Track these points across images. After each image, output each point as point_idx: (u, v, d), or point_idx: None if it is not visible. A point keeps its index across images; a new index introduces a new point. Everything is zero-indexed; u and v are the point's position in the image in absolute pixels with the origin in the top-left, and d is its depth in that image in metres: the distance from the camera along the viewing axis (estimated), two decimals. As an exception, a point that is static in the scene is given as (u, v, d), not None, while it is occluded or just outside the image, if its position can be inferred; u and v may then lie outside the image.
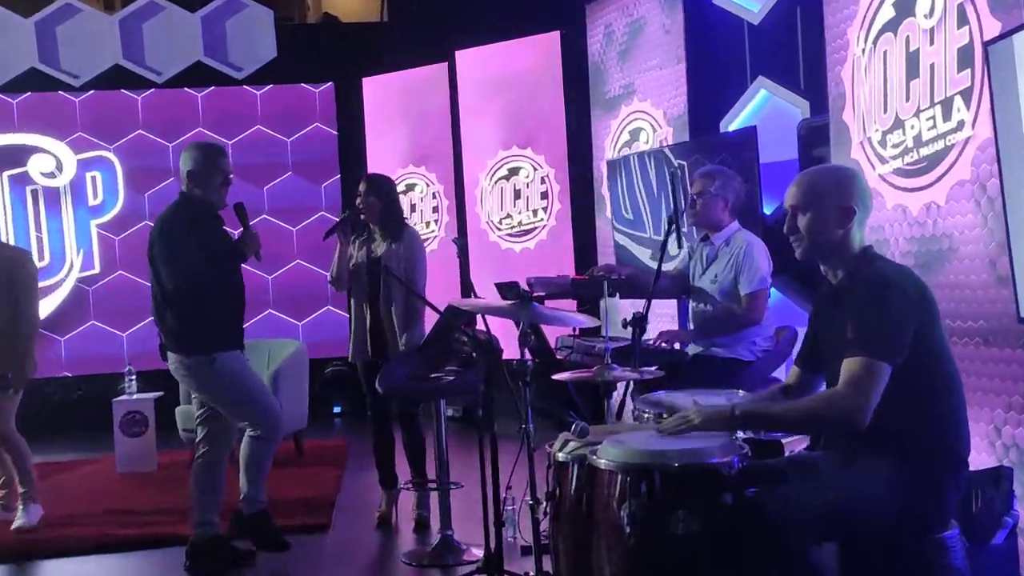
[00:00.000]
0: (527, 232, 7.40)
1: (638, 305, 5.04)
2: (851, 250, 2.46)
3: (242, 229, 4.01)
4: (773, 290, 4.35)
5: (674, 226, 3.53)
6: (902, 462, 2.29)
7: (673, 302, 5.71)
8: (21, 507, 4.73)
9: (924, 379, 2.31)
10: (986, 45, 2.99)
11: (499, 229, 7.54)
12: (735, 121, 5.38)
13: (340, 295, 8.21)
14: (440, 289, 5.28)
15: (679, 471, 2.25)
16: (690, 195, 3.86)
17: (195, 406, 4.16)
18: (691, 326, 4.37)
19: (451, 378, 4.03)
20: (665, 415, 2.88)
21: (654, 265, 5.57)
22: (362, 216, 4.56)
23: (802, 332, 4.52)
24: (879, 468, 2.30)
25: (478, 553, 3.97)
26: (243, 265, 4.09)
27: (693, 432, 2.39)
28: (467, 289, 3.70)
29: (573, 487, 2.50)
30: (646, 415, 2.98)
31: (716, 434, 2.40)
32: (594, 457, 2.37)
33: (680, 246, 3.89)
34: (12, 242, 7.92)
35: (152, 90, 8.20)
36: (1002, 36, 2.91)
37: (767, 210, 5.04)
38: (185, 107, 8.25)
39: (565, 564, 2.56)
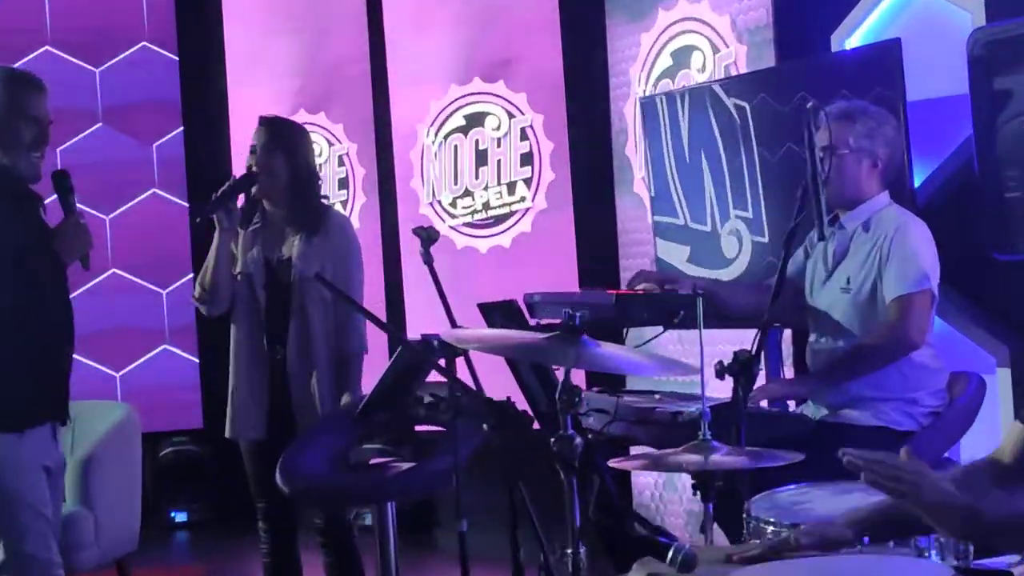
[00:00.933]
0: (499, 220, 7.26)
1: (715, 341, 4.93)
2: None
3: (64, 213, 3.94)
4: (937, 319, 4.28)
5: (816, 204, 3.37)
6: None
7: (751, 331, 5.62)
8: None
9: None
10: None
11: (452, 215, 7.40)
12: (855, 34, 5.25)
13: (186, 327, 8.13)
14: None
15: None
16: (816, 152, 3.73)
17: None
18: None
19: (406, 465, 3.86)
20: (802, 525, 2.77)
21: (703, 274, 5.55)
22: (255, 188, 4.48)
23: (996, 382, 4.51)
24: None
25: None
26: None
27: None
28: (448, 311, 3.54)
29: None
30: (768, 526, 2.81)
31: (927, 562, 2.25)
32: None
33: (823, 237, 3.76)
34: None
35: None
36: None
37: (917, 179, 4.93)
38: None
39: None
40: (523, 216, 7.17)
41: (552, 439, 2.58)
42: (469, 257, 7.28)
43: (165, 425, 7.90)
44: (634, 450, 4.32)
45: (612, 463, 2.95)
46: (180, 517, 7.82)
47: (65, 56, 8.12)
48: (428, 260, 3.67)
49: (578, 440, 2.60)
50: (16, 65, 7.89)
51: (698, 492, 3.11)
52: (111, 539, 5.94)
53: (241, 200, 4.55)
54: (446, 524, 6.74)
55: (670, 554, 2.34)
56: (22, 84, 3.97)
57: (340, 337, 4.42)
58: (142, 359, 8.16)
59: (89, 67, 8.16)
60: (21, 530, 3.77)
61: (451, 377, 3.42)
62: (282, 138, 4.51)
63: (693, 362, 3.16)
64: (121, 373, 8.11)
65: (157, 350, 8.15)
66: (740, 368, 3.17)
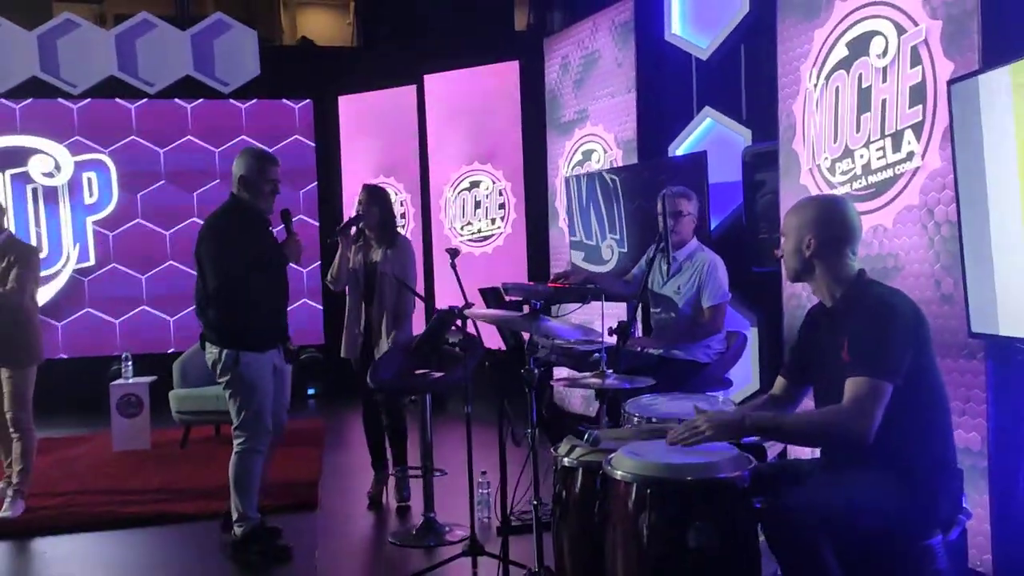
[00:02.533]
0: (486, 238, 7.08)
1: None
2: (843, 274, 2.22)
3: (287, 234, 3.67)
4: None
5: (662, 244, 3.25)
6: (900, 474, 2.06)
7: (623, 304, 5.51)
8: (9, 499, 4.20)
9: (920, 396, 2.09)
10: (949, 84, 2.78)
11: (460, 235, 7.20)
12: (682, 146, 5.13)
13: (316, 289, 7.96)
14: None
15: (694, 485, 1.98)
16: (668, 215, 3.59)
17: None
18: (643, 330, 4.12)
19: (438, 375, 3.69)
20: (654, 420, 2.64)
21: (592, 268, 5.45)
22: (361, 223, 4.23)
23: (751, 336, 4.43)
24: (879, 479, 2.06)
25: (460, 533, 3.69)
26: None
27: (703, 442, 2.11)
28: (465, 297, 3.38)
29: (581, 493, 2.21)
30: (635, 418, 2.70)
31: (722, 447, 2.13)
32: (610, 467, 2.07)
33: (669, 263, 3.63)
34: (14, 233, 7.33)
35: (145, 100, 7.63)
36: (966, 76, 2.70)
37: (712, 226, 4.83)
38: (176, 117, 7.69)
39: (571, 564, 2.27)
40: (499, 237, 7.01)
41: (522, 369, 2.48)
42: (468, 259, 7.03)
43: (304, 341, 7.70)
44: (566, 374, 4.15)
45: (552, 382, 2.84)
46: (310, 391, 7.61)
47: (252, 141, 7.72)
48: (453, 266, 3.53)
49: (536, 370, 2.51)
50: (223, 147, 7.75)
51: (597, 399, 3.04)
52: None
53: (353, 229, 4.29)
54: (457, 409, 6.61)
55: (585, 436, 2.26)
56: (267, 159, 3.69)
57: (400, 304, 4.19)
58: (292, 306, 7.84)
59: (265, 147, 7.88)
60: (257, 405, 3.55)
61: (465, 330, 3.31)
62: (375, 197, 4.27)
63: (597, 325, 3.05)
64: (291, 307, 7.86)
65: (299, 302, 7.87)
66: (621, 330, 3.06)
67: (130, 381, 5.71)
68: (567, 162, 6.25)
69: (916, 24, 3.09)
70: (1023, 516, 2.82)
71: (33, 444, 4.25)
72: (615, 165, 5.65)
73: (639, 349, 3.73)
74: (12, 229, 7.05)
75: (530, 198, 6.83)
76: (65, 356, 7.44)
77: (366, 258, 4.28)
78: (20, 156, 7.42)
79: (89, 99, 7.53)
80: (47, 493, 4.51)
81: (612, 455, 2.12)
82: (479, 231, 7.13)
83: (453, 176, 7.22)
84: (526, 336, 2.86)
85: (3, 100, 7.38)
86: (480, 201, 7.13)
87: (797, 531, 1.91)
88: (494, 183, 7.04)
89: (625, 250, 5.11)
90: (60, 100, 7.48)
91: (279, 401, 3.76)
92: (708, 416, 2.15)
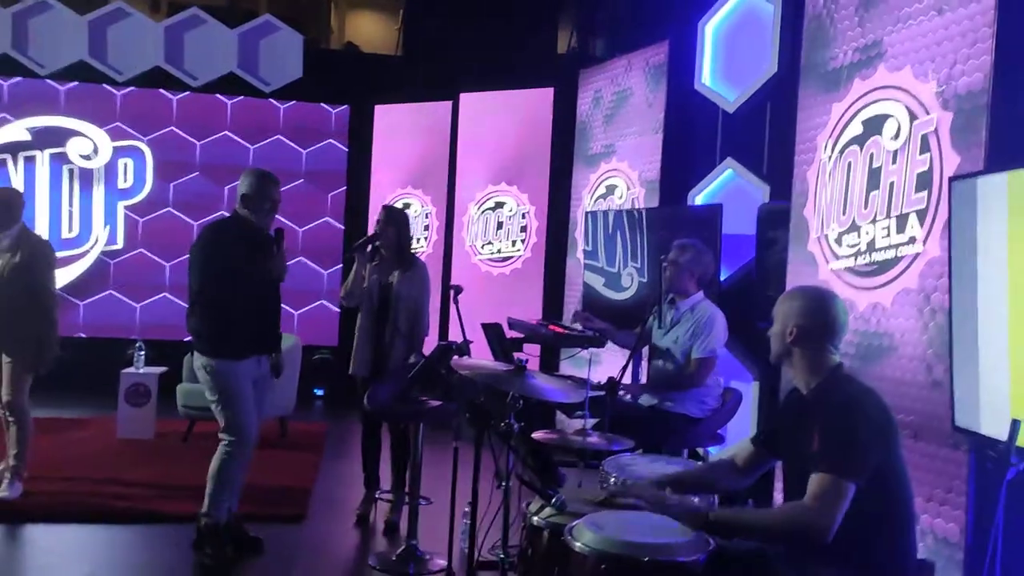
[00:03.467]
0: (505, 259, 7.16)
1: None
2: (820, 366, 2.27)
3: (275, 252, 3.74)
4: (723, 349, 4.17)
5: (656, 308, 3.30)
6: (859, 572, 2.09)
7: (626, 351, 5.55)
8: (7, 481, 4.33)
9: (882, 498, 2.12)
10: (951, 180, 2.81)
11: (480, 253, 7.30)
12: (702, 193, 5.19)
13: (334, 292, 8.08)
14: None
15: (649, 565, 2.04)
16: (664, 261, 3.64)
17: None
18: (644, 378, 4.15)
19: (434, 404, 3.75)
20: (628, 481, 2.68)
21: (611, 295, 5.50)
22: (377, 243, 4.28)
23: (745, 392, 4.45)
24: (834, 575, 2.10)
25: (441, 563, 3.76)
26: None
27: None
28: (463, 334, 3.43)
29: (544, 554, 2.27)
30: (612, 478, 2.75)
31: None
32: (569, 536, 2.14)
33: (660, 326, 3.68)
34: (46, 211, 7.57)
35: (187, 93, 7.82)
36: (966, 176, 2.73)
37: (722, 276, 4.87)
38: (215, 111, 7.89)
39: (529, 620, 2.33)
40: (517, 260, 7.08)
41: (500, 424, 2.53)
42: (487, 278, 7.17)
43: (318, 341, 7.85)
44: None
45: (535, 435, 2.87)
46: (318, 392, 7.73)
47: (287, 141, 7.97)
48: (456, 302, 3.57)
49: (515, 426, 2.55)
50: (258, 144, 7.94)
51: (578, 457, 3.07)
52: (278, 406, 5.84)
53: (369, 248, 4.31)
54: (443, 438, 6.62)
55: (553, 499, 2.31)
56: (268, 179, 3.76)
57: (416, 327, 4.23)
58: (310, 306, 8.01)
59: (299, 148, 8.01)
60: (236, 411, 3.66)
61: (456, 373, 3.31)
62: (393, 218, 4.31)
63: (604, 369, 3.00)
64: (299, 311, 7.93)
65: (316, 303, 8.02)
66: (609, 386, 3.10)
67: (140, 371, 5.87)
68: (590, 194, 6.32)
69: (928, 113, 3.13)
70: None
71: (29, 428, 4.38)
72: (636, 202, 5.72)
73: (627, 396, 3.76)
74: (45, 209, 7.54)
75: (552, 225, 6.90)
76: (84, 336, 7.65)
77: (381, 278, 4.30)
78: (60, 136, 7.65)
79: (133, 87, 7.74)
80: (46, 477, 4.62)
81: (574, 523, 2.18)
82: (499, 251, 7.21)
83: (479, 195, 7.31)
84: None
85: (49, 81, 7.62)
86: (503, 222, 7.21)
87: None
88: (518, 205, 7.12)
89: (645, 279, 5.16)
90: (105, 86, 7.70)
91: (255, 412, 3.81)
92: (677, 502, 2.22)
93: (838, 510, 2.03)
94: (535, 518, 2.36)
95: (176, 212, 7.79)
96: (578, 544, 2.11)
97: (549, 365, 6.13)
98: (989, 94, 2.84)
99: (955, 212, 2.76)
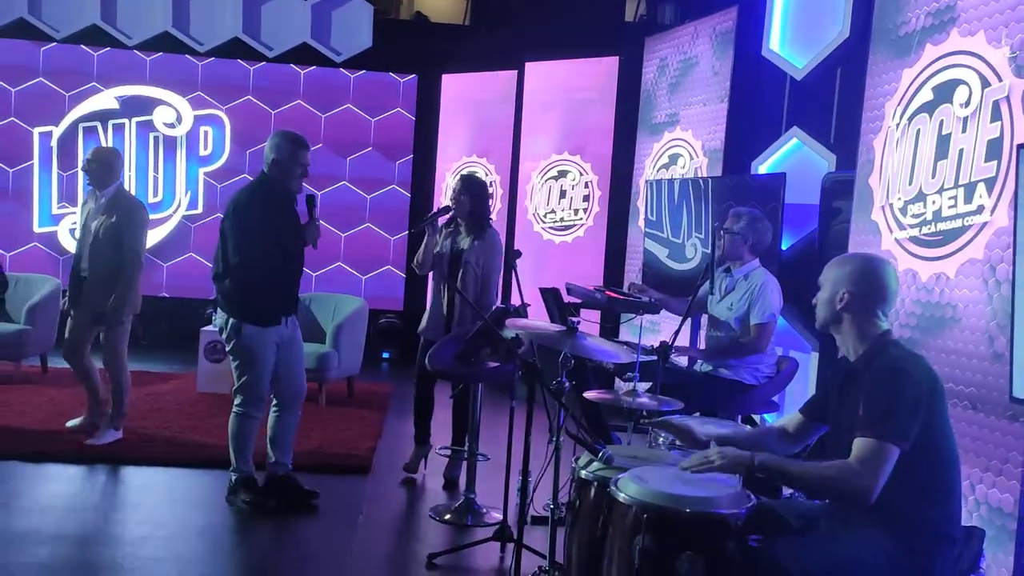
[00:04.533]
0: (567, 228, 7.20)
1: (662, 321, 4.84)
2: (869, 333, 2.26)
3: (308, 219, 3.81)
4: (782, 320, 4.14)
5: (710, 274, 3.30)
6: (899, 538, 2.11)
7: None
8: (102, 429, 4.61)
9: (927, 463, 2.12)
10: (1019, 148, 2.73)
11: (543, 221, 7.35)
12: (766, 163, 5.12)
13: (400, 258, 8.26)
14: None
15: (690, 517, 2.09)
16: (719, 229, 3.64)
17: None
18: (702, 344, 4.16)
19: (492, 365, 3.84)
20: (677, 442, 2.72)
21: (674, 265, 5.48)
22: (452, 211, 4.31)
23: (803, 362, 4.41)
24: (877, 538, 2.11)
25: (496, 516, 3.87)
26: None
27: (712, 472, 2.21)
28: (521, 297, 3.48)
29: (591, 506, 2.35)
30: (660, 439, 2.81)
31: (728, 482, 2.22)
32: (614, 488, 2.20)
33: (712, 292, 3.68)
34: (133, 177, 7.92)
35: (263, 63, 8.04)
36: (1038, 143, 2.65)
37: (784, 245, 4.81)
38: (289, 81, 8.09)
39: (576, 567, 2.42)
40: (579, 228, 7.11)
41: (551, 384, 2.61)
42: (548, 246, 7.24)
43: (384, 306, 8.05)
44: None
45: (587, 394, 2.93)
46: (385, 355, 7.89)
47: (356, 110, 8.11)
48: (514, 267, 3.63)
49: (566, 384, 2.63)
50: (329, 112, 8.11)
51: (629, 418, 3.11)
52: (346, 366, 6.04)
53: (442, 220, 4.35)
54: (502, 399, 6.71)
55: (600, 454, 2.38)
56: (299, 142, 3.77)
57: (483, 295, 4.24)
58: (376, 271, 8.18)
59: (367, 117, 8.14)
60: (254, 374, 3.77)
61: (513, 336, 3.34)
62: (469, 187, 4.29)
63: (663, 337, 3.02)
64: (366, 276, 8.13)
65: (383, 268, 8.20)
66: (661, 351, 3.13)
67: (217, 328, 6.11)
68: (653, 163, 6.28)
69: (1000, 80, 3.03)
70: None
71: (125, 384, 4.63)
72: (699, 172, 5.67)
73: (683, 361, 3.78)
74: (132, 175, 7.89)
75: (614, 194, 6.90)
76: (167, 295, 8.03)
77: (453, 244, 4.32)
78: (147, 105, 7.97)
79: (213, 58, 8.00)
80: (132, 428, 4.88)
81: (620, 476, 2.24)
82: (562, 220, 7.25)
83: (542, 163, 7.34)
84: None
85: (136, 52, 7.93)
86: (566, 191, 7.24)
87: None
88: (581, 175, 7.13)
89: (708, 250, 5.10)
90: (187, 56, 7.98)
91: (295, 369, 3.93)
92: (720, 450, 2.25)
93: (882, 473, 2.04)
94: (583, 471, 2.43)
95: (251, 178, 8.02)
96: (622, 495, 2.17)
97: (610, 332, 6.18)
98: (1064, 58, 2.74)
99: (1022, 180, 2.68)
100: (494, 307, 3.70)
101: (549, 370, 2.81)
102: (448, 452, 4.45)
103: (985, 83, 3.10)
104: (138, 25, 7.81)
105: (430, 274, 4.49)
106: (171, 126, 8.02)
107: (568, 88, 7.21)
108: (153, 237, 7.91)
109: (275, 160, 3.75)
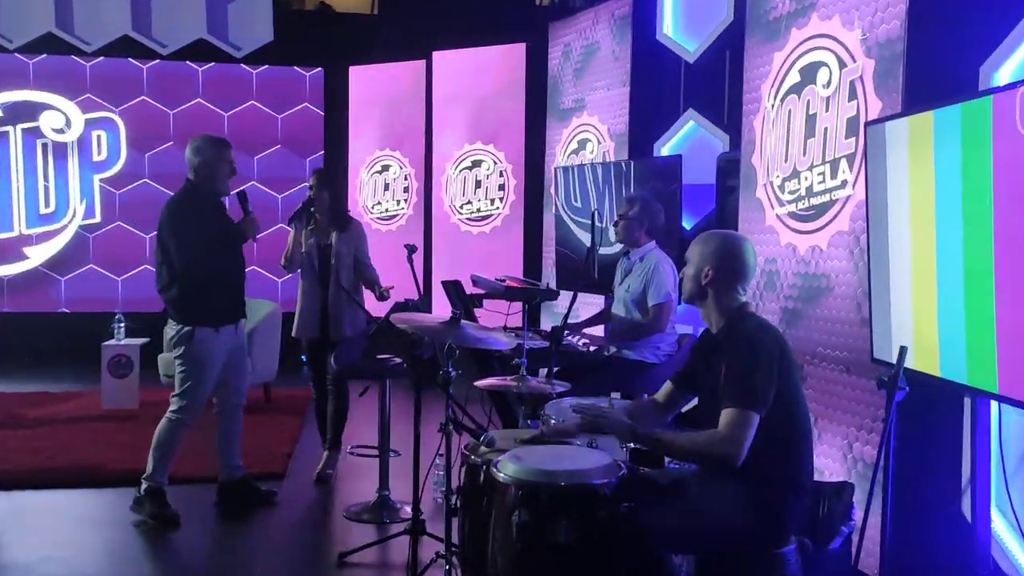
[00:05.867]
0: (484, 218, 7.44)
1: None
2: (729, 306, 2.55)
3: (243, 215, 4.02)
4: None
5: (590, 258, 3.56)
6: (755, 490, 2.40)
7: (601, 297, 5.81)
8: None
9: (781, 421, 2.42)
10: (866, 125, 3.07)
11: (460, 213, 7.57)
12: (667, 144, 5.43)
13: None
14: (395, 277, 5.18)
15: (563, 489, 2.35)
16: (598, 213, 3.90)
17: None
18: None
19: (398, 361, 4.06)
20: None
21: (604, 251, 5.66)
22: (312, 208, 4.53)
23: None
24: (735, 493, 2.41)
25: (410, 510, 4.08)
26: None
27: (593, 437, 2.49)
28: (427, 296, 3.70)
29: (477, 488, 2.60)
30: (552, 420, 3.05)
31: (601, 453, 2.50)
32: (495, 469, 2.45)
33: (594, 276, 3.93)
34: (21, 188, 7.86)
35: (157, 61, 8.06)
36: (876, 121, 2.99)
37: (687, 225, 5.14)
38: (186, 79, 8.13)
39: (469, 550, 2.67)
40: (496, 218, 7.36)
41: (439, 373, 2.84)
42: (466, 237, 7.47)
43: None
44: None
45: (477, 383, 3.16)
46: (304, 358, 7.81)
47: (261, 107, 8.21)
48: (410, 260, 3.84)
49: (452, 374, 2.86)
50: (232, 111, 8.16)
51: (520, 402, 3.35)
52: (261, 372, 6.15)
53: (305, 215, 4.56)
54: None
55: (481, 437, 2.63)
56: (223, 144, 4.04)
57: (358, 283, 4.55)
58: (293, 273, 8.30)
59: (273, 114, 8.24)
60: (199, 381, 3.98)
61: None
62: (325, 181, 4.55)
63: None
64: (282, 279, 8.15)
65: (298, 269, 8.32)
66: (553, 335, 3.36)
67: (122, 342, 6.21)
68: (563, 149, 6.56)
69: (855, 60, 3.37)
70: (912, 526, 3.15)
71: None
72: (607, 156, 5.96)
73: (581, 344, 4.05)
74: (20, 186, 7.83)
75: (530, 182, 7.16)
76: (67, 311, 8.00)
77: (320, 240, 4.55)
78: (32, 111, 7.92)
79: (102, 57, 7.98)
80: (30, 449, 4.96)
81: (500, 458, 2.50)
82: (478, 210, 7.48)
83: (456, 154, 7.57)
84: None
85: (18, 55, 7.86)
86: (481, 181, 7.47)
87: (642, 548, 2.29)
88: (495, 164, 7.37)
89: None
90: (73, 57, 7.95)
91: (241, 374, 4.20)
92: (609, 414, 2.54)
93: (746, 438, 2.33)
94: (472, 457, 2.68)
95: (152, 183, 8.06)
96: (501, 475, 2.42)
97: (534, 321, 6.42)
98: (904, 42, 3.08)
99: (870, 155, 3.02)
100: (393, 303, 3.91)
101: (470, 365, 2.99)
102: (362, 451, 4.65)
103: (842, 64, 3.45)
104: (19, 26, 7.74)
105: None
106: (60, 131, 7.98)
107: (477, 77, 7.45)
108: (47, 250, 7.90)
109: (202, 163, 3.96)
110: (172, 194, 4.12)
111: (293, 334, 4.72)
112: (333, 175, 4.70)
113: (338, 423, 4.69)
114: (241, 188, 4.10)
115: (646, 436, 2.51)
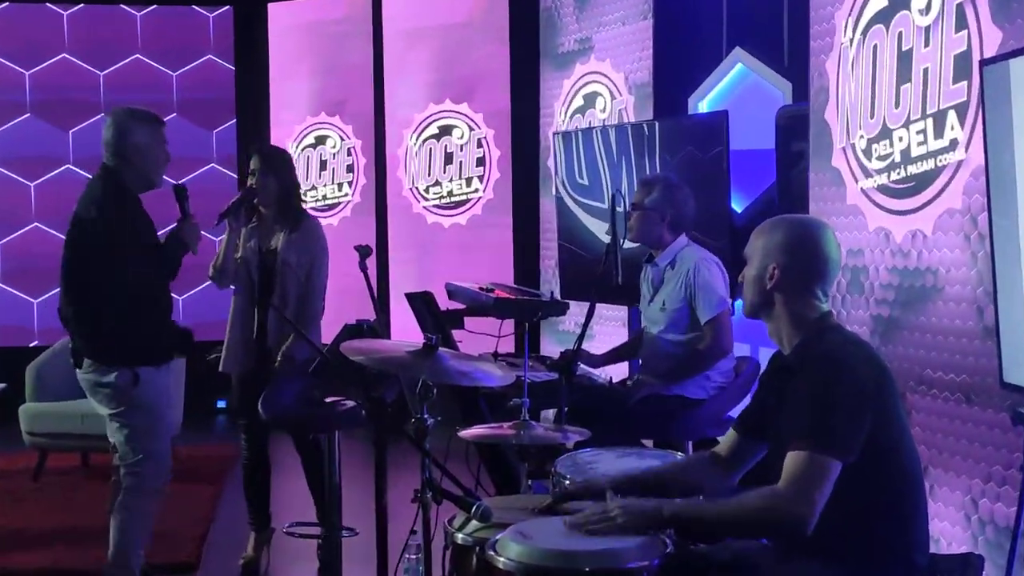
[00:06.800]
0: (459, 204, 7.42)
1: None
2: (805, 317, 2.52)
3: (181, 216, 3.97)
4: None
5: (611, 256, 3.53)
6: (845, 568, 2.37)
7: (624, 309, 5.80)
8: None
9: (879, 477, 2.39)
10: (982, 65, 3.05)
11: (425, 198, 7.54)
12: (707, 98, 5.43)
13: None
14: (345, 290, 5.13)
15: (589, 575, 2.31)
16: (615, 221, 3.86)
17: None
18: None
19: (351, 404, 3.99)
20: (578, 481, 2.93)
21: (607, 240, 5.63)
22: (255, 199, 4.49)
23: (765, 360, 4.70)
24: (819, 573, 2.37)
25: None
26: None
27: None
28: (383, 315, 3.66)
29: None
30: (566, 481, 3.01)
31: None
32: (492, 552, 2.41)
33: (617, 281, 3.91)
34: None
35: (5, 4, 7.98)
36: (998, 58, 2.97)
37: (737, 207, 5.12)
38: (46, 27, 8.06)
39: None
40: (476, 203, 7.35)
41: (411, 421, 2.78)
42: (435, 231, 7.44)
43: (211, 336, 7.95)
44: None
45: (461, 434, 3.11)
46: (220, 403, 7.84)
47: (149, 62, 8.15)
48: (363, 267, 3.80)
49: (429, 421, 2.80)
50: (109, 69, 8.09)
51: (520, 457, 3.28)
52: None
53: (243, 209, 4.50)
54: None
55: (473, 508, 2.56)
56: (157, 120, 4.05)
57: (306, 304, 4.44)
58: (197, 288, 7.99)
59: (166, 71, 8.18)
60: (156, 434, 3.94)
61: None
62: (273, 164, 4.48)
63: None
64: (183, 296, 8.06)
65: (205, 284, 8.10)
66: (564, 367, 3.32)
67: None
68: (564, 108, 6.54)
69: (962, -27, 3.36)
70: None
71: None
72: (625, 116, 5.95)
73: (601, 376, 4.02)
74: None
75: (518, 153, 7.15)
76: None
77: (261, 244, 4.51)
78: None
79: (-72, 0, 7.92)
80: None
81: (499, 536, 2.45)
82: (450, 194, 7.45)
83: (417, 118, 7.54)
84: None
85: None
86: (453, 153, 7.45)
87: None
88: (471, 130, 7.36)
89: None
90: None
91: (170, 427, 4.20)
92: (622, 504, 2.47)
93: (819, 494, 2.29)
94: (459, 535, 2.63)
95: (4, 171, 7.97)
96: (502, 560, 2.38)
97: (535, 346, 6.40)
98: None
99: (989, 104, 3.00)
100: (343, 326, 3.85)
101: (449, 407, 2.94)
102: (302, 530, 4.59)
103: (946, -20, 3.44)
104: None
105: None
106: None
107: (444, 15, 7.42)
108: None
109: (133, 146, 3.87)
110: (87, 185, 4.00)
111: (220, 368, 4.65)
112: (281, 156, 4.63)
113: (316, 484, 4.57)
114: (179, 184, 4.06)
115: (679, 515, 2.43)
